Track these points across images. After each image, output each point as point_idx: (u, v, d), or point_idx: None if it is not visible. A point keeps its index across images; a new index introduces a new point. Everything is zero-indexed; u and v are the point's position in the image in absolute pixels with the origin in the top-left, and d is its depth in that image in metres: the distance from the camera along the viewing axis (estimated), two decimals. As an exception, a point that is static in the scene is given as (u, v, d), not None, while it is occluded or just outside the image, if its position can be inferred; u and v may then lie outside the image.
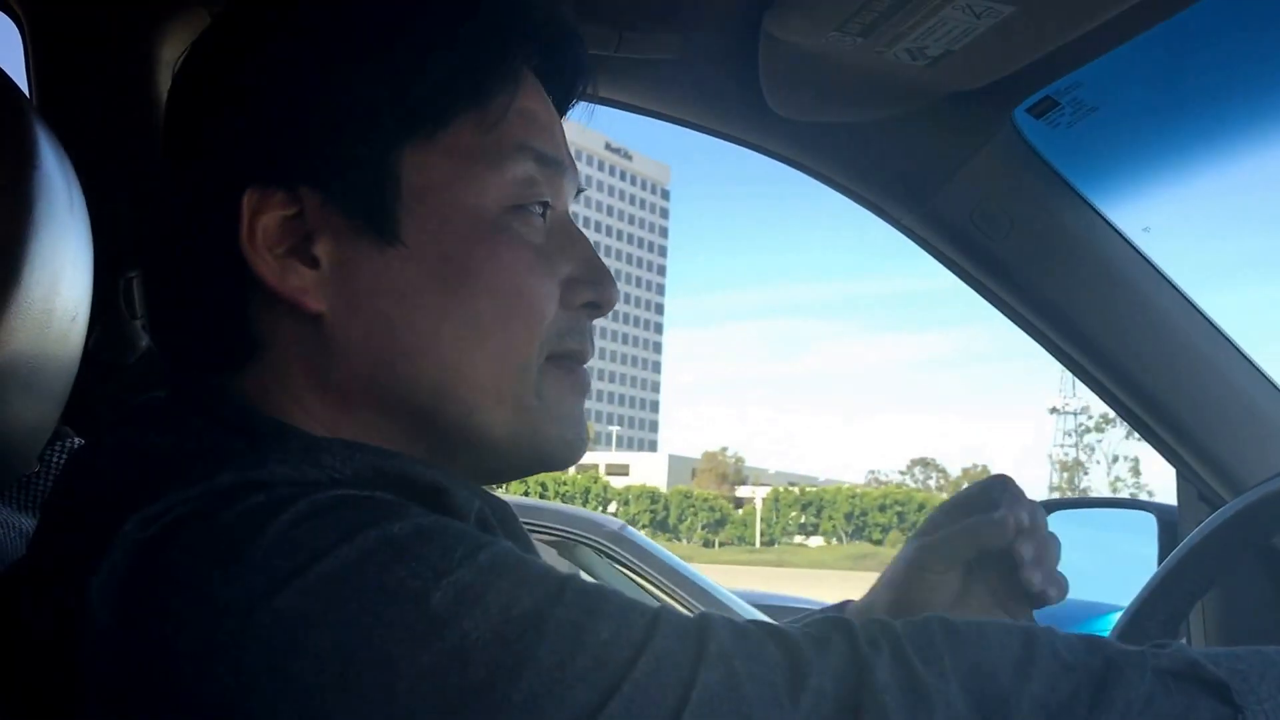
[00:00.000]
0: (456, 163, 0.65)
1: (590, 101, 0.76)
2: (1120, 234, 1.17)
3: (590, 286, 0.69)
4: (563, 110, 0.73)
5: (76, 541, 0.56)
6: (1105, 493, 53.56)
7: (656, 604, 0.57)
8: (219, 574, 0.52)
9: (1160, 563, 1.05)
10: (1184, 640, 1.18)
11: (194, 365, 0.67)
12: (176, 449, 0.60)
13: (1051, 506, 1.32)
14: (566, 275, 0.68)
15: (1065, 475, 54.52)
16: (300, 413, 0.64)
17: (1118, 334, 1.20)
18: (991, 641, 0.58)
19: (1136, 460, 55.24)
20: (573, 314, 0.68)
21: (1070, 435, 55.48)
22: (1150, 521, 1.26)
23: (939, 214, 1.21)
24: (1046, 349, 1.25)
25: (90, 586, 0.53)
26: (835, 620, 0.58)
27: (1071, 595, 1.15)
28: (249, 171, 0.63)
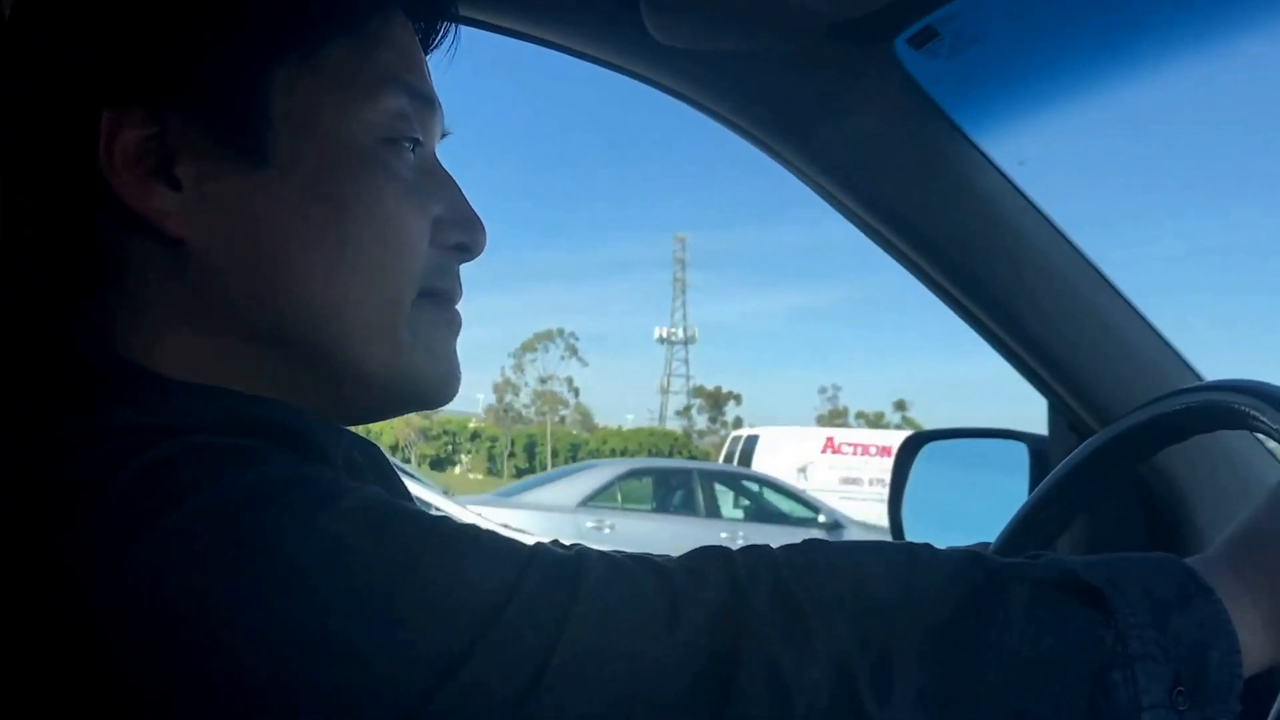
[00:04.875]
0: (329, 88, 0.63)
1: (465, 24, 0.75)
2: (997, 167, 1.18)
3: (460, 228, 0.68)
4: (426, 49, 0.72)
5: None
6: (531, 409, 56.78)
7: (533, 544, 0.56)
8: (64, 529, 0.49)
9: (1031, 491, 1.07)
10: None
11: (47, 295, 0.63)
12: (18, 394, 0.58)
13: (925, 438, 1.34)
14: (436, 215, 0.67)
15: (496, 396, 57.35)
16: (158, 348, 0.62)
17: (993, 268, 1.21)
18: (873, 562, 0.58)
19: (570, 379, 58.32)
20: (442, 254, 0.67)
21: (513, 356, 57.85)
22: (1021, 451, 1.29)
23: (822, 149, 1.20)
24: (922, 282, 1.25)
25: None
26: (713, 550, 0.58)
27: (946, 527, 1.17)
28: (107, 89, 0.61)
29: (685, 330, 63.18)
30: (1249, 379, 0.83)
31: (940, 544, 0.62)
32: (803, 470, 18.47)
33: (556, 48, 1.10)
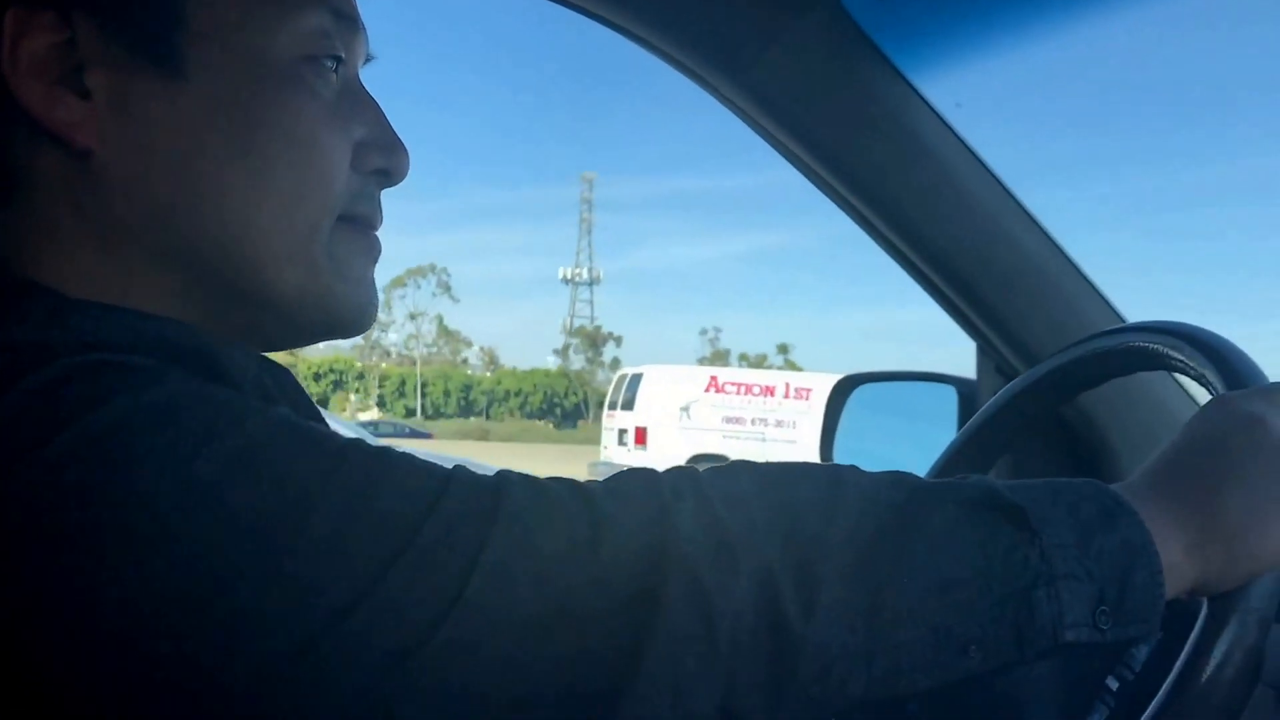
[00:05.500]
0: (249, 2, 0.61)
1: None
2: (933, 109, 1.19)
3: (382, 153, 0.67)
4: None
5: None
6: (401, 347, 58.06)
7: (451, 466, 0.55)
8: None
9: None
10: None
11: None
12: None
13: (857, 381, 1.35)
14: (358, 138, 0.65)
15: (365, 335, 58.42)
16: (63, 264, 0.59)
17: (926, 209, 1.22)
18: (798, 482, 0.58)
19: (440, 316, 59.55)
20: (363, 178, 0.66)
21: (382, 292, 59.58)
22: (950, 393, 1.31)
23: (757, 85, 1.19)
24: (855, 221, 1.26)
25: None
26: (639, 472, 0.57)
27: (876, 468, 1.18)
28: None
29: (590, 271, 63.08)
30: (1165, 320, 0.85)
31: None
32: (685, 409, 18.62)
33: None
